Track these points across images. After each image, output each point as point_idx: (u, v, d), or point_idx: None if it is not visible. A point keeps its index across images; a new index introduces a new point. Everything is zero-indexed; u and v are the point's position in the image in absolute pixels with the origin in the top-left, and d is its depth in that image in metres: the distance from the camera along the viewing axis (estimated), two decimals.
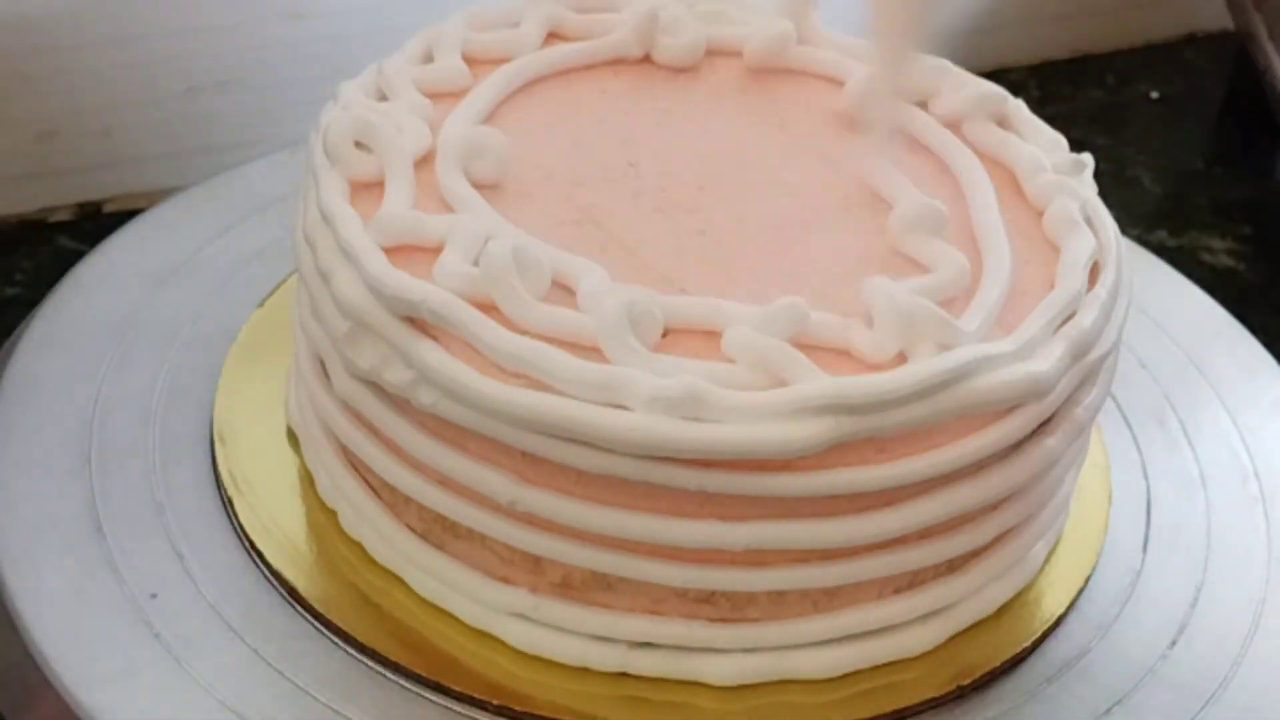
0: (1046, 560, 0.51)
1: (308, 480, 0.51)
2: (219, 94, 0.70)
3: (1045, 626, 0.50)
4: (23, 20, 0.67)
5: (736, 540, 0.44)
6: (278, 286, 0.57)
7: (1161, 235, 0.77)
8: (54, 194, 0.69)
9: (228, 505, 0.50)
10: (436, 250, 0.46)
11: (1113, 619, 0.50)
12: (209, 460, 0.51)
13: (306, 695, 0.45)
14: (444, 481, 0.46)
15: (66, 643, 0.45)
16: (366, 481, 0.49)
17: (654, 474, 0.43)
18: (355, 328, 0.46)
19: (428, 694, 0.46)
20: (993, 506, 0.47)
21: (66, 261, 0.59)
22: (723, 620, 0.46)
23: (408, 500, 0.47)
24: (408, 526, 0.48)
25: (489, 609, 0.47)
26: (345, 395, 0.47)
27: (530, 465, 0.44)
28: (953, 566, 0.48)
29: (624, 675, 0.46)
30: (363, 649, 0.46)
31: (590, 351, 0.43)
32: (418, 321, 0.45)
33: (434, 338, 0.44)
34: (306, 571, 0.48)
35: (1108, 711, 0.48)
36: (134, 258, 0.58)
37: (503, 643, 0.47)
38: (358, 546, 0.49)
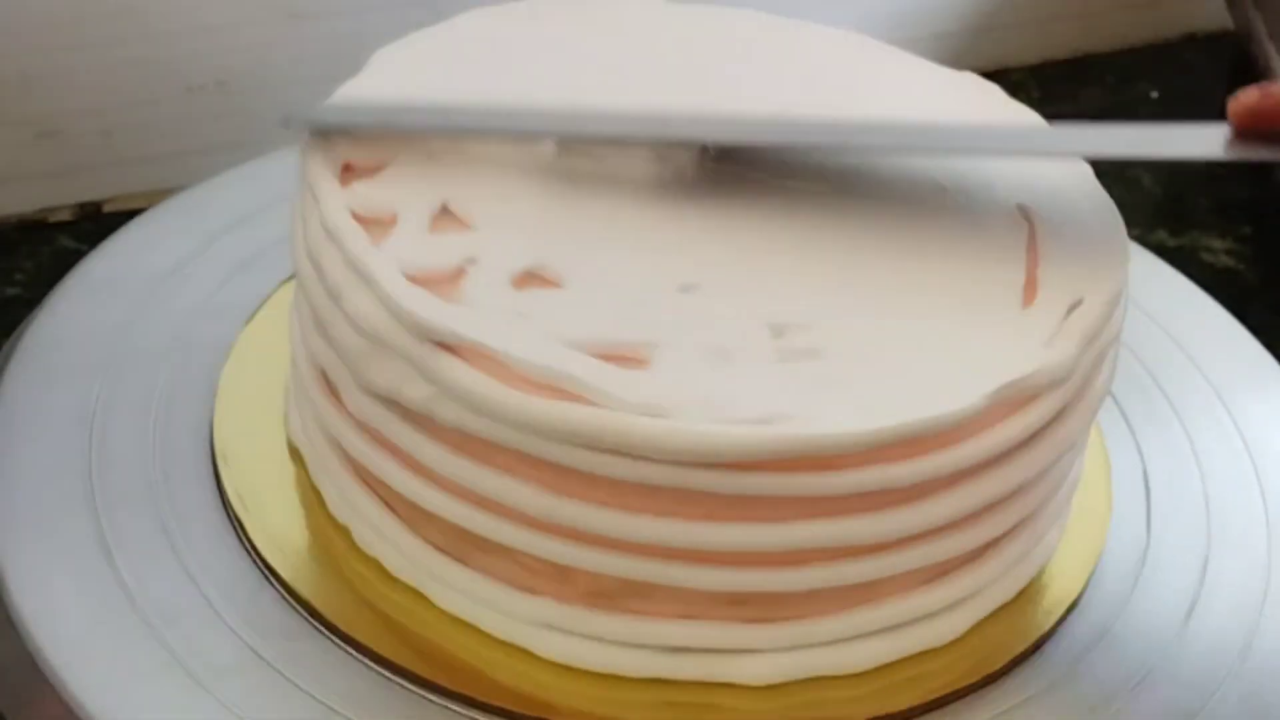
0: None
1: (315, 496, 0.50)
2: (219, 94, 0.70)
3: (1064, 607, 0.50)
4: (23, 20, 0.67)
5: (771, 542, 0.44)
6: (278, 287, 0.56)
7: (1161, 235, 0.77)
8: (54, 194, 0.69)
9: (234, 521, 0.49)
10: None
11: (1123, 602, 0.50)
12: (209, 462, 0.51)
13: (330, 710, 0.44)
14: (469, 496, 0.45)
15: (68, 648, 0.45)
16: (381, 498, 0.48)
17: (689, 480, 0.43)
18: (372, 346, 0.45)
19: (455, 706, 0.45)
20: (1015, 493, 0.47)
21: (66, 261, 0.59)
22: (755, 621, 0.46)
23: (429, 516, 0.46)
24: (428, 541, 0.47)
25: (515, 620, 0.46)
26: (360, 413, 0.47)
27: (560, 476, 0.44)
28: (976, 554, 0.48)
29: (656, 680, 0.46)
30: (385, 664, 0.46)
31: (617, 360, 0.43)
32: None
33: (454, 353, 0.44)
34: (323, 588, 0.47)
35: (1135, 685, 0.48)
36: (134, 258, 0.58)
37: (530, 653, 0.46)
38: (373, 562, 0.48)
